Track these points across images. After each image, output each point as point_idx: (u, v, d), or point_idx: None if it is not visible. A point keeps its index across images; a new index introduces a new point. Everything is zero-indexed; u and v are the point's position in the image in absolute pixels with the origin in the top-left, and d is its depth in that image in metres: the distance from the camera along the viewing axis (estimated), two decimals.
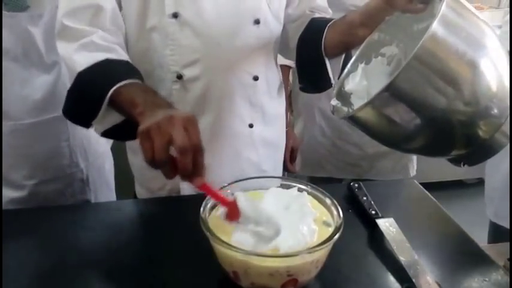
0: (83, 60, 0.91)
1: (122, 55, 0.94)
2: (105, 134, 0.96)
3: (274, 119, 1.20)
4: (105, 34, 0.95)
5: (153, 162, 0.73)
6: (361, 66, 0.97)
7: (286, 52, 1.19)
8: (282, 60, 1.24)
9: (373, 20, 0.96)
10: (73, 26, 0.94)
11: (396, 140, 0.86)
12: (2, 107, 1.15)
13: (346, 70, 0.99)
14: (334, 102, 0.95)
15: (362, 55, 0.99)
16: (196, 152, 0.73)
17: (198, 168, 0.75)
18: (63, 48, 0.95)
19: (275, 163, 1.25)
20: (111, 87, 0.86)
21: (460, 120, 0.78)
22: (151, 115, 0.77)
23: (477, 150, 0.82)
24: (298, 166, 1.74)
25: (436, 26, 0.73)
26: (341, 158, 1.69)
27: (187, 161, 0.72)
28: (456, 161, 0.88)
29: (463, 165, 0.87)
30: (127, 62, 0.94)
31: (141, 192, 1.23)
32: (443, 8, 0.74)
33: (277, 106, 1.21)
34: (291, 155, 1.64)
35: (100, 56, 0.91)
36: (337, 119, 1.61)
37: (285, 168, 1.62)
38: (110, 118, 0.92)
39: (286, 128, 1.41)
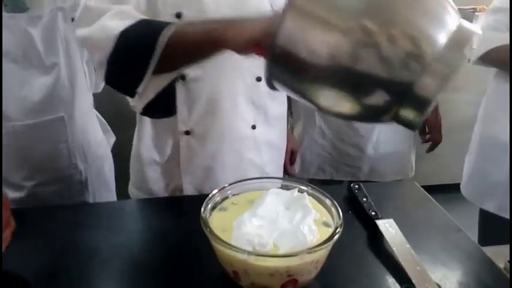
0: (120, 24, 0.87)
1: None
2: (146, 111, 0.96)
3: (276, 121, 1.20)
4: (133, 9, 0.93)
5: None
6: None
7: None
8: None
9: None
10: (97, 5, 0.91)
11: (318, 96, 0.70)
12: (1, 109, 1.15)
13: None
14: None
15: None
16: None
17: None
18: (85, 30, 0.91)
19: (277, 165, 1.25)
20: (165, 30, 0.83)
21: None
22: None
23: (411, 103, 0.64)
24: (298, 169, 1.74)
25: None
26: (341, 160, 1.70)
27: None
28: (402, 122, 0.69)
29: (413, 127, 0.69)
30: (168, 22, 0.89)
31: (136, 194, 1.22)
32: None
33: (279, 107, 1.21)
34: (290, 158, 1.64)
35: (136, 18, 0.89)
36: (338, 121, 1.63)
37: (285, 171, 1.62)
38: (152, 83, 0.90)
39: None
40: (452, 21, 0.64)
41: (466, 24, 0.64)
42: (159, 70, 0.87)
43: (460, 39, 0.62)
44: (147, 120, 1.14)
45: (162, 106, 0.98)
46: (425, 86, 0.62)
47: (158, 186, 1.17)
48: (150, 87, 0.90)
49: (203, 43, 0.83)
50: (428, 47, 0.61)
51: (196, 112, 1.07)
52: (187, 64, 0.93)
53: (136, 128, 1.20)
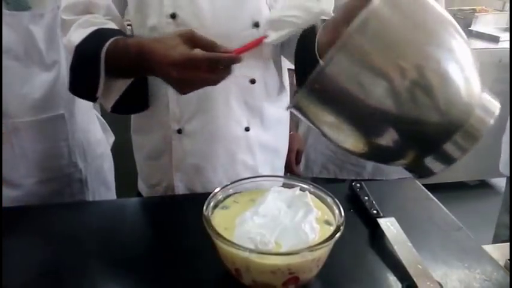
0: (78, 36, 0.97)
1: (115, 27, 1.00)
2: (116, 109, 1.02)
3: (274, 123, 1.18)
4: (100, 16, 1.02)
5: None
6: None
7: (289, 55, 1.16)
8: (288, 64, 1.23)
9: (354, 16, 0.94)
10: (68, 18, 1.01)
11: (341, 135, 0.72)
12: (1, 108, 1.15)
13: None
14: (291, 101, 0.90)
15: None
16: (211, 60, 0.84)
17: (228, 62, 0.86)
18: (65, 40, 1.02)
19: (274, 168, 1.23)
20: (104, 46, 0.93)
21: (404, 120, 0.64)
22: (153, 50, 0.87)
23: (427, 160, 0.68)
24: (302, 168, 1.75)
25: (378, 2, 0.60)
26: (345, 159, 1.70)
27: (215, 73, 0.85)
28: (409, 171, 0.76)
29: (418, 176, 0.75)
30: (119, 30, 1.00)
31: (141, 187, 1.25)
32: None
33: (278, 110, 1.19)
34: (296, 157, 1.64)
35: (93, 28, 0.97)
36: None
37: (291, 171, 1.62)
38: (114, 86, 0.98)
39: (291, 131, 1.41)
40: (479, 90, 0.66)
41: (488, 96, 0.67)
42: (115, 75, 0.96)
43: (489, 111, 0.66)
44: (139, 118, 1.15)
45: (134, 102, 1.05)
46: (455, 147, 0.66)
47: (154, 181, 1.18)
48: (112, 90, 0.98)
49: (132, 66, 0.93)
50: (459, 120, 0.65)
51: (188, 112, 1.07)
52: (130, 77, 0.99)
53: (131, 126, 1.22)
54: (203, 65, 0.84)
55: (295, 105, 0.69)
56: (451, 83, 0.63)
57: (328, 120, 0.69)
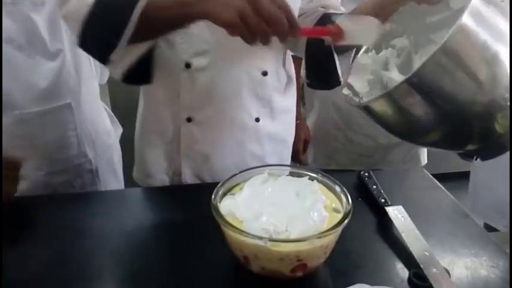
0: None
1: None
2: (125, 78, 0.94)
3: (282, 114, 1.20)
4: None
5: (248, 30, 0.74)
6: (371, 56, 0.97)
7: (295, 48, 1.17)
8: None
9: (386, 10, 0.94)
10: None
11: (410, 132, 0.85)
12: (1, 99, 1.15)
13: (355, 60, 0.99)
14: (346, 91, 0.95)
15: (374, 44, 0.98)
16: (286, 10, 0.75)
17: (292, 23, 0.76)
18: (65, 7, 0.91)
19: (281, 158, 1.24)
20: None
21: (478, 114, 0.76)
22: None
23: (491, 145, 0.80)
24: (310, 158, 1.75)
25: (465, 17, 0.70)
26: (353, 150, 1.70)
27: (283, 21, 0.74)
28: (468, 156, 0.86)
29: (476, 159, 0.85)
30: None
31: (140, 177, 1.23)
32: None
33: (286, 101, 1.21)
34: (303, 147, 1.64)
35: None
36: (351, 112, 1.62)
37: (297, 160, 1.63)
38: (132, 51, 0.89)
39: (298, 120, 1.41)
40: None
41: None
42: (134, 39, 0.86)
43: None
44: (149, 104, 1.15)
45: (139, 73, 0.96)
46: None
47: (157, 169, 1.17)
48: (126, 56, 0.90)
49: (180, 13, 0.82)
50: None
51: (198, 100, 1.07)
52: (162, 34, 0.92)
53: (138, 111, 1.21)
54: (266, 11, 0.74)
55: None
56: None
57: (414, 112, 0.78)
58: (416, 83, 0.73)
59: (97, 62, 1.35)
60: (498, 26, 0.75)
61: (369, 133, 1.63)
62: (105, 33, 0.88)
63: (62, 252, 0.88)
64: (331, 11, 1.11)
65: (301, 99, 1.70)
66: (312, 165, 1.75)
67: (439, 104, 0.75)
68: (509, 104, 0.75)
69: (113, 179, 1.45)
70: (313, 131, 1.71)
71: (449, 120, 0.77)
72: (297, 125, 1.32)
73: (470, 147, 0.83)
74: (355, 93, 0.94)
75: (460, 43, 0.71)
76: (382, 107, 0.80)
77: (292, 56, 1.23)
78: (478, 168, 1.60)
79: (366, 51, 0.98)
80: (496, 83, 0.74)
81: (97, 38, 0.90)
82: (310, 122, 1.75)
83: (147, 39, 0.90)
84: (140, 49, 0.90)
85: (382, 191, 1.02)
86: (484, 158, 0.85)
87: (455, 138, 0.82)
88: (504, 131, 0.78)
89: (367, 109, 0.84)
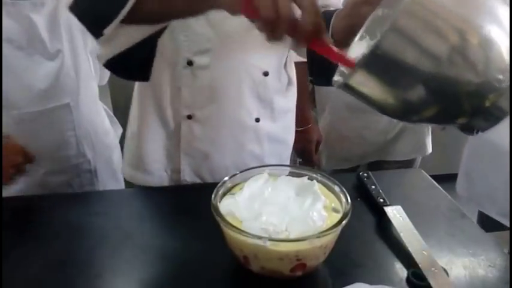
0: None
1: None
2: (109, 64, 0.90)
3: (282, 115, 1.20)
4: None
5: (275, 21, 0.69)
6: (366, 41, 0.95)
7: (301, 50, 1.14)
8: (295, 56, 1.24)
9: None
10: None
11: (396, 106, 0.76)
12: (1, 101, 1.15)
13: (351, 46, 0.97)
14: (337, 77, 0.93)
15: (367, 31, 0.96)
16: (318, 13, 0.70)
17: (320, 29, 0.72)
18: None
19: (280, 158, 1.25)
20: None
21: (462, 81, 0.67)
22: None
23: (484, 117, 0.73)
24: (324, 161, 1.77)
25: None
26: (366, 148, 1.72)
27: (312, 20, 0.70)
28: (468, 129, 0.78)
29: (477, 132, 0.83)
30: None
31: (134, 175, 1.20)
32: None
33: (287, 102, 1.21)
34: (316, 148, 1.65)
35: None
36: (366, 109, 1.62)
37: (310, 161, 1.63)
38: (127, 32, 0.83)
39: (309, 124, 1.42)
40: None
41: None
42: (132, 19, 0.80)
43: None
44: (149, 100, 1.13)
45: (137, 68, 0.93)
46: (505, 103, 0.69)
47: (156, 166, 1.16)
48: (120, 37, 0.84)
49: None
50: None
51: (199, 98, 1.07)
52: (164, 19, 0.85)
53: (132, 108, 1.18)
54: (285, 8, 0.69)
55: (346, 81, 0.71)
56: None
57: (388, 90, 0.71)
58: (381, 53, 0.66)
59: (97, 64, 1.36)
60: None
61: (383, 128, 1.64)
62: (103, 3, 0.82)
63: (61, 252, 0.88)
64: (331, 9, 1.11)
65: (312, 103, 1.72)
66: (326, 166, 1.77)
67: (413, 71, 0.67)
68: (497, 76, 0.68)
69: (112, 179, 1.46)
70: (325, 134, 1.72)
71: (428, 88, 0.69)
72: (308, 128, 1.33)
73: (461, 120, 0.77)
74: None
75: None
76: (359, 81, 0.73)
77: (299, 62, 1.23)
78: (471, 156, 1.61)
79: (361, 38, 0.97)
80: (480, 51, 0.66)
81: (94, 7, 0.83)
82: (321, 124, 1.76)
83: (144, 21, 0.84)
84: (135, 33, 0.85)
85: (381, 191, 1.02)
86: (482, 130, 0.78)
87: (443, 113, 0.75)
88: (491, 103, 0.72)
89: (348, 87, 0.75)
